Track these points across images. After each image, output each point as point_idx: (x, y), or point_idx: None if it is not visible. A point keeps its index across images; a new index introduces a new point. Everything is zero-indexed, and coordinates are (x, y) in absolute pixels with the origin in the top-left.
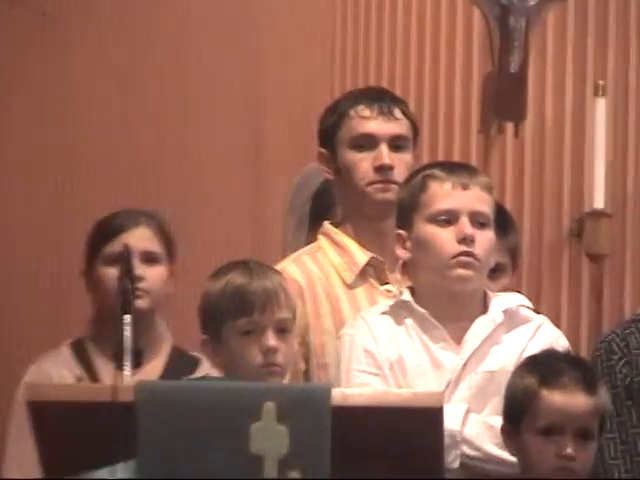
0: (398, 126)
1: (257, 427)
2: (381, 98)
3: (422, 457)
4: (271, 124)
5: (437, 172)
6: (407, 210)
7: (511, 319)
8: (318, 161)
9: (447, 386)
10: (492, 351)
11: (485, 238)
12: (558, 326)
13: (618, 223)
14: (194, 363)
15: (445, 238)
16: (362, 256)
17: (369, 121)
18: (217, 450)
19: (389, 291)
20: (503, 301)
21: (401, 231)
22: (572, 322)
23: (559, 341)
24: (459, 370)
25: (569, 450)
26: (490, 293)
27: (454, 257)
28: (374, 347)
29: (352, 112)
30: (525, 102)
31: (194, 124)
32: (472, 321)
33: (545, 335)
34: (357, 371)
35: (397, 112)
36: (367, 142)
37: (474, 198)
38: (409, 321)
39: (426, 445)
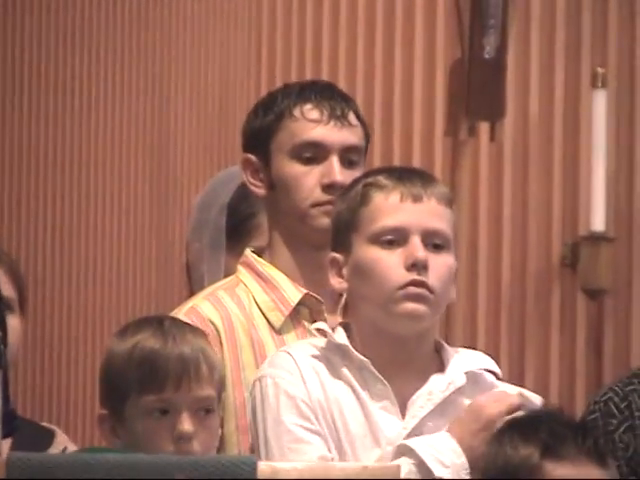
0: (353, 135)
1: None
2: (331, 96)
3: None
4: (179, 128)
5: (382, 180)
6: (344, 228)
7: (476, 386)
8: (243, 170)
9: (383, 457)
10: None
11: (442, 264)
12: (547, 381)
13: (622, 250)
14: (48, 436)
15: (390, 263)
16: (294, 293)
17: (318, 126)
18: None
19: (320, 330)
20: (466, 360)
21: (336, 255)
22: (565, 376)
23: None
24: (399, 442)
25: None
26: (446, 345)
27: (401, 288)
28: (306, 395)
29: (296, 112)
30: (503, 96)
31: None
32: (423, 379)
33: None
34: (291, 424)
35: (352, 117)
36: (315, 152)
37: (428, 213)
38: (345, 372)
39: None
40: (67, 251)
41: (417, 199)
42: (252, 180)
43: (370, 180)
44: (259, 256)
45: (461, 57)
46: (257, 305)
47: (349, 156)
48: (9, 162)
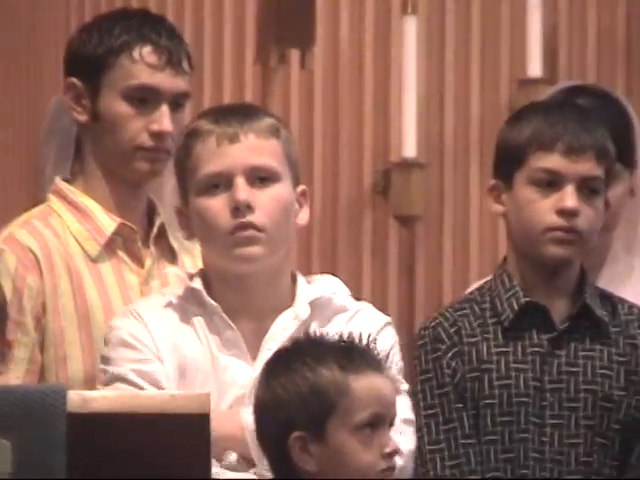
0: (185, 82)
1: None
2: (169, 37)
3: (183, 469)
4: None
5: (201, 125)
6: (180, 182)
7: (322, 312)
8: (64, 92)
9: (236, 402)
10: None
11: (269, 198)
12: None
13: (434, 176)
14: None
15: (217, 211)
16: (109, 222)
17: (155, 72)
18: None
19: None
20: (312, 289)
21: (181, 207)
22: (377, 301)
23: (384, 331)
24: (251, 386)
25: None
26: (300, 277)
27: (230, 233)
28: (148, 336)
29: (135, 54)
30: (313, 23)
31: None
32: (277, 316)
33: (364, 323)
34: (118, 359)
35: (185, 63)
36: (147, 96)
37: (248, 150)
38: (198, 319)
39: (188, 455)
40: None
41: (233, 139)
42: (73, 105)
43: (191, 128)
44: (70, 184)
45: None
46: (72, 234)
47: (178, 101)
48: None
